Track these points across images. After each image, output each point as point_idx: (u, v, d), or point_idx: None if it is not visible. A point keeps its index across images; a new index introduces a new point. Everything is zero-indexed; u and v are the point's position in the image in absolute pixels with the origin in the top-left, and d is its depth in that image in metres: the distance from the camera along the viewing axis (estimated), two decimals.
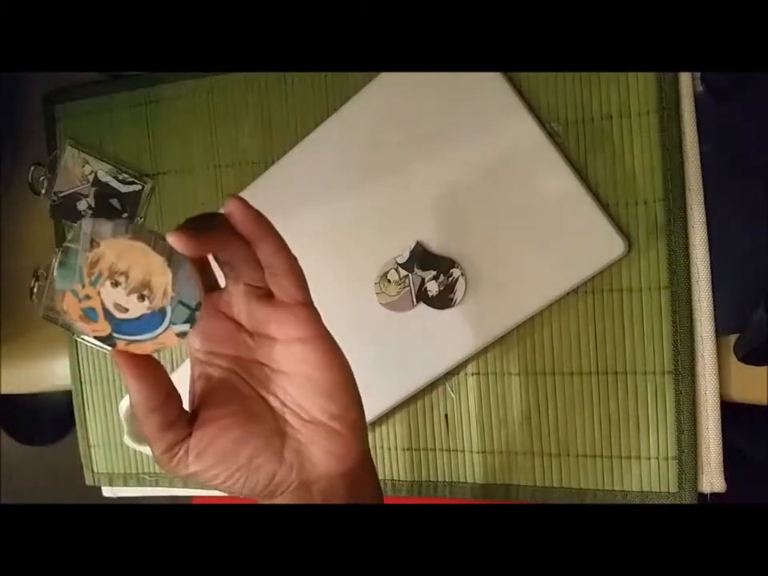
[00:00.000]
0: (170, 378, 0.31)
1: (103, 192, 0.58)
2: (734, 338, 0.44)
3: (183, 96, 0.56)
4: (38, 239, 0.62)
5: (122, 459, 0.60)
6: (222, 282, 0.33)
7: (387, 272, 0.49)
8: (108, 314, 0.29)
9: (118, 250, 0.28)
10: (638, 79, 0.44)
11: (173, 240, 0.27)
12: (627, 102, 0.45)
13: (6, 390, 0.65)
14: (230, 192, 0.55)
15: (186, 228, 0.27)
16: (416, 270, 0.48)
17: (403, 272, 0.49)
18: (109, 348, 0.30)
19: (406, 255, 0.48)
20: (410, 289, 0.48)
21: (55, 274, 0.29)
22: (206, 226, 0.29)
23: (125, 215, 0.58)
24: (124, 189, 0.58)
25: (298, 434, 0.32)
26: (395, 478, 0.52)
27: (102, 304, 0.29)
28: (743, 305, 0.43)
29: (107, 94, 0.58)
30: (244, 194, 0.54)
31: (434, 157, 0.48)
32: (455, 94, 0.47)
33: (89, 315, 0.29)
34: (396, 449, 0.52)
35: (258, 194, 0.53)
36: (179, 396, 0.31)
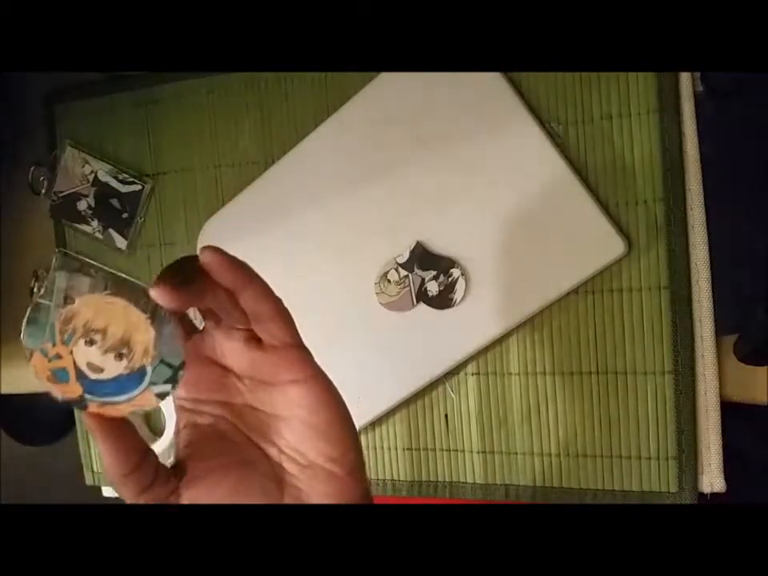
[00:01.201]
0: (142, 440, 0.29)
1: (103, 192, 0.58)
2: (734, 338, 0.44)
3: (183, 96, 0.56)
4: (38, 239, 0.62)
5: None
6: (199, 323, 0.31)
7: (387, 272, 0.49)
8: (80, 374, 0.27)
9: (95, 307, 0.26)
10: (638, 79, 0.44)
11: (156, 295, 0.25)
12: (627, 101, 0.45)
13: (6, 390, 0.65)
14: (230, 192, 0.55)
15: (167, 281, 0.26)
16: (416, 269, 0.48)
17: (403, 272, 0.49)
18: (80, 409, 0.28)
19: (406, 255, 0.48)
20: (410, 289, 0.48)
21: (23, 330, 0.27)
22: (187, 278, 0.27)
23: (125, 215, 0.58)
24: (124, 189, 0.58)
25: (296, 480, 0.31)
26: (395, 478, 0.52)
27: (75, 364, 0.27)
28: (743, 305, 0.43)
29: (107, 94, 0.58)
30: (244, 194, 0.54)
31: (434, 157, 0.48)
32: (455, 94, 0.47)
33: (58, 376, 0.27)
34: (396, 449, 0.52)
35: (258, 194, 0.53)
36: (155, 456, 0.29)
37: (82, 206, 0.58)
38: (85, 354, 0.27)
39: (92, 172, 0.58)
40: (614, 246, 0.44)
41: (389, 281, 0.49)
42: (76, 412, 0.61)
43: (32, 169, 0.59)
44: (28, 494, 0.68)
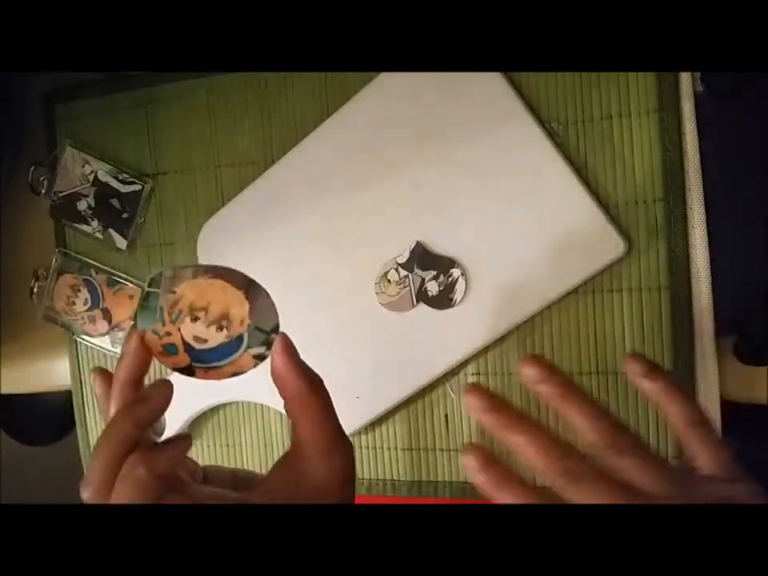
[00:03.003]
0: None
1: (103, 192, 0.58)
2: (734, 338, 0.44)
3: (183, 96, 0.56)
4: (38, 239, 0.62)
5: None
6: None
7: (387, 272, 0.49)
8: (187, 347, 0.31)
9: (198, 289, 0.31)
10: (638, 79, 0.44)
11: None
12: (627, 101, 0.45)
13: (6, 390, 0.65)
14: (230, 192, 0.55)
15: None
16: (416, 269, 0.48)
17: (403, 272, 0.49)
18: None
19: (406, 255, 0.48)
20: (410, 289, 0.48)
21: (136, 316, 0.31)
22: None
23: (125, 215, 0.58)
24: (124, 189, 0.58)
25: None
26: (395, 478, 0.52)
27: (182, 338, 0.31)
28: (743, 305, 0.43)
29: (107, 94, 0.58)
30: (244, 194, 0.54)
31: (434, 157, 0.48)
32: (455, 94, 0.47)
33: (169, 351, 0.31)
34: (396, 449, 0.52)
35: (258, 194, 0.53)
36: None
37: (81, 205, 0.58)
38: (191, 329, 0.31)
39: (92, 172, 0.58)
40: (614, 246, 0.44)
41: (389, 281, 0.49)
42: (76, 412, 0.61)
43: (32, 169, 0.59)
44: (28, 494, 0.68)
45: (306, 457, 0.31)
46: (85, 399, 0.61)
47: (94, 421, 0.61)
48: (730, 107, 0.43)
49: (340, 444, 0.31)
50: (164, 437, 0.57)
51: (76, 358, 0.61)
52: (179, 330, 0.31)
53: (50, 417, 0.78)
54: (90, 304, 0.59)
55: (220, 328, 0.31)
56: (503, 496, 0.29)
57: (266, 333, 0.31)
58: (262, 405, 0.55)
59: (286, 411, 0.31)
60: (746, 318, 0.42)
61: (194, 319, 0.31)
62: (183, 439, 0.31)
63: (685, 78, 0.44)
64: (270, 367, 0.31)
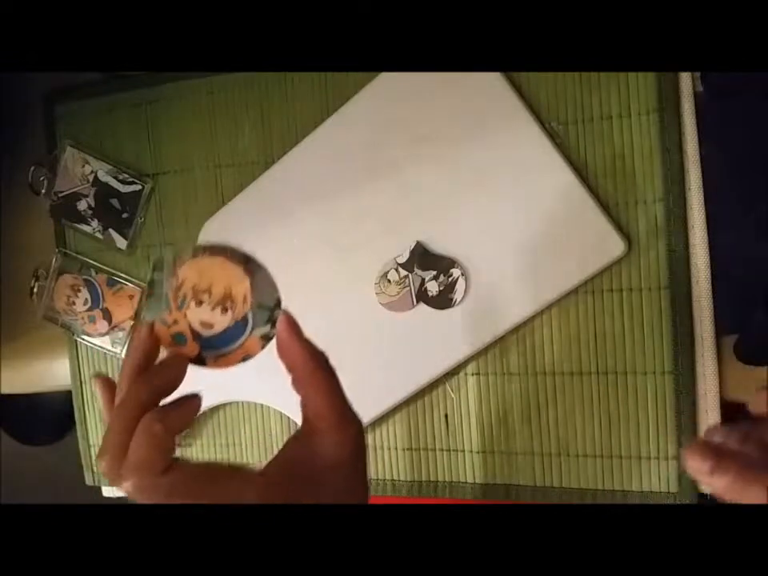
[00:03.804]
0: None
1: (103, 192, 0.58)
2: (734, 338, 0.44)
3: (183, 96, 0.56)
4: (38, 239, 0.62)
5: None
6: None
7: (387, 272, 0.49)
8: (195, 335, 0.31)
9: (198, 269, 0.31)
10: (638, 79, 0.44)
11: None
12: (627, 102, 0.45)
13: (6, 390, 0.65)
14: (230, 192, 0.55)
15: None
16: (416, 269, 0.48)
17: (403, 272, 0.49)
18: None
19: (406, 255, 0.48)
20: (410, 289, 0.48)
21: (144, 305, 0.31)
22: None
23: (125, 215, 0.58)
24: (124, 189, 0.58)
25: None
26: (395, 478, 0.52)
27: (189, 326, 0.31)
28: (743, 305, 0.43)
29: (107, 94, 0.58)
30: (244, 194, 0.54)
31: (434, 157, 0.48)
32: (455, 94, 0.47)
33: (178, 340, 0.31)
34: (396, 449, 0.52)
35: (258, 194, 0.53)
36: None
37: (82, 206, 0.58)
38: (197, 314, 0.31)
39: (92, 172, 0.58)
40: (614, 246, 0.44)
41: (389, 281, 0.49)
42: (76, 412, 0.61)
43: (32, 169, 0.59)
44: (28, 494, 0.68)
45: (317, 430, 0.31)
46: (85, 399, 0.61)
47: (94, 421, 0.61)
48: (730, 107, 0.43)
49: (349, 417, 0.32)
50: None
51: (76, 358, 0.61)
52: (185, 316, 0.31)
53: (49, 417, 0.78)
54: (90, 304, 0.59)
55: (224, 310, 0.31)
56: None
57: (270, 309, 0.31)
58: (261, 405, 0.55)
59: (295, 388, 0.32)
60: (745, 318, 0.42)
61: (199, 303, 0.31)
62: (193, 398, 0.31)
63: (685, 78, 0.44)
64: (275, 345, 0.31)
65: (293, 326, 0.31)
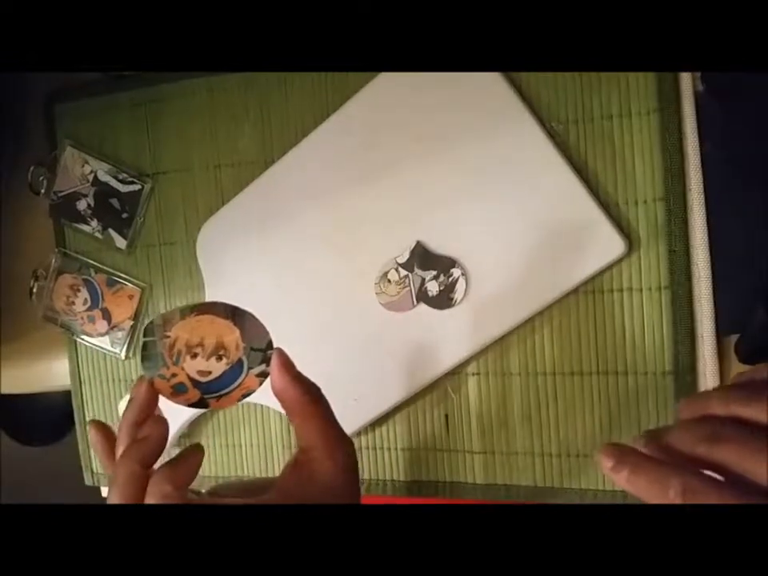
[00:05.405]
0: None
1: (103, 192, 0.58)
2: (734, 338, 0.44)
3: (183, 96, 0.56)
4: (38, 239, 0.62)
5: None
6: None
7: (387, 272, 0.49)
8: (195, 382, 0.33)
9: (189, 327, 0.33)
10: (638, 79, 0.44)
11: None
12: (627, 101, 0.45)
13: (6, 390, 0.65)
14: (230, 192, 0.55)
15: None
16: (416, 269, 0.48)
17: (403, 272, 0.49)
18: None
19: (406, 255, 0.48)
20: (410, 289, 0.48)
21: (141, 365, 0.33)
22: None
23: (124, 215, 0.58)
24: (124, 189, 0.58)
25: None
26: (395, 478, 0.52)
27: (188, 376, 0.33)
28: (743, 305, 0.42)
29: (107, 94, 0.58)
30: (244, 194, 0.54)
31: (434, 157, 0.48)
32: (455, 94, 0.47)
33: (179, 390, 0.33)
34: (396, 449, 0.52)
35: (258, 194, 0.53)
36: None
37: (81, 205, 0.58)
38: (193, 366, 0.33)
39: (92, 172, 0.58)
40: (614, 246, 0.44)
41: (389, 281, 0.49)
42: (76, 412, 0.61)
43: (32, 169, 0.59)
44: (28, 494, 0.68)
45: (313, 459, 0.34)
46: (84, 399, 0.61)
47: None
48: (730, 107, 0.43)
49: (342, 443, 0.35)
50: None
51: (76, 358, 0.61)
52: (183, 369, 0.33)
53: (49, 417, 0.78)
54: (89, 304, 0.59)
55: (219, 357, 0.33)
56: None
57: (262, 351, 0.33)
58: (262, 405, 0.55)
59: (289, 419, 0.34)
60: (746, 318, 0.42)
61: (194, 356, 0.33)
62: (196, 450, 0.33)
63: (685, 78, 0.44)
64: (270, 381, 0.34)
65: (285, 365, 0.33)
